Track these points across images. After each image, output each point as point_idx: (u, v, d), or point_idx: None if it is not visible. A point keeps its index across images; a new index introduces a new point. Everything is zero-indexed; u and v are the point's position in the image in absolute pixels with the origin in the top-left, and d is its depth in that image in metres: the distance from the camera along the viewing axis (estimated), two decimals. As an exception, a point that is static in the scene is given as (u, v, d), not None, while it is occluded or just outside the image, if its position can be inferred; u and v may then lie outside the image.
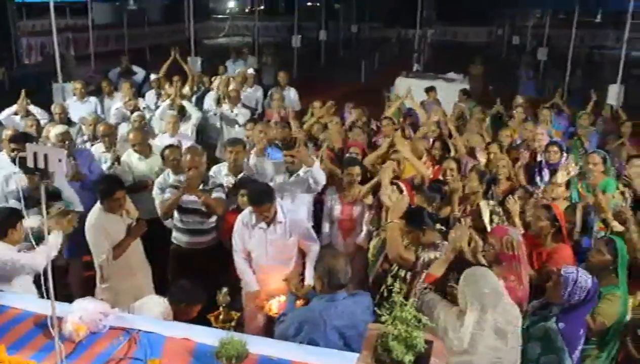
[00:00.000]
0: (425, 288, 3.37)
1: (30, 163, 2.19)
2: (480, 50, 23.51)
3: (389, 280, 4.23)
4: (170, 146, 5.91)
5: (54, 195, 4.98)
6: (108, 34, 24.24)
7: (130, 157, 6.34)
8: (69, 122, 7.70)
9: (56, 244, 4.14)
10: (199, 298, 3.90)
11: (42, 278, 2.61)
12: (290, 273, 4.49)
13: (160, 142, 6.91)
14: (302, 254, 4.81)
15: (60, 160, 2.18)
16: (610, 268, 3.94)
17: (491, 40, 29.38)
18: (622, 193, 5.66)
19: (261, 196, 4.50)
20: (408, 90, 8.97)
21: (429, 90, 10.42)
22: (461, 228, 3.97)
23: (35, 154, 2.17)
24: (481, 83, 14.67)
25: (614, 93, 10.82)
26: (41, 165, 2.17)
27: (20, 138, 5.55)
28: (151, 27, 26.42)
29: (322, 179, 5.36)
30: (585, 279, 3.41)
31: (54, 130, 6.23)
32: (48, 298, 2.71)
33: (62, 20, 22.13)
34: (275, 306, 4.29)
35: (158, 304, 3.87)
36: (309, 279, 4.58)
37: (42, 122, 7.43)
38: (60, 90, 9.42)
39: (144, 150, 6.39)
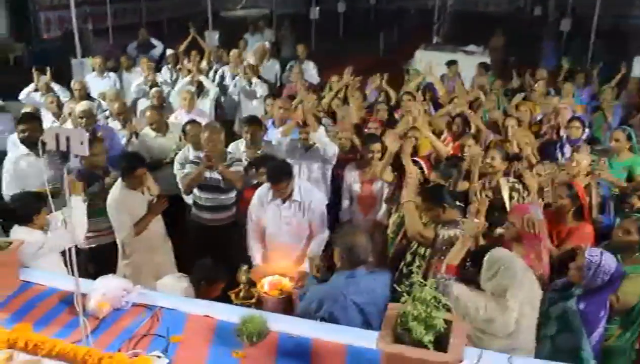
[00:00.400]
0: (447, 279, 3.31)
1: (51, 146, 2.20)
2: (501, 21, 23.12)
3: (408, 257, 4.24)
4: (191, 121, 5.93)
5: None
6: (125, 7, 24.14)
7: (148, 134, 6.38)
8: (88, 98, 7.76)
9: (79, 215, 4.14)
10: (221, 276, 3.93)
11: (67, 255, 2.62)
12: (312, 254, 4.48)
13: (176, 118, 6.93)
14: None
15: (82, 143, 2.20)
16: (635, 248, 3.89)
17: (513, 9, 28.84)
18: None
19: (279, 174, 4.52)
20: (428, 65, 8.84)
21: (450, 63, 10.26)
22: (474, 218, 3.89)
23: (57, 136, 2.19)
24: (502, 55, 14.42)
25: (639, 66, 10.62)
26: (63, 147, 2.19)
27: (28, 118, 5.50)
28: (168, 0, 26.31)
29: (330, 146, 5.43)
30: (610, 263, 3.36)
31: (78, 107, 6.28)
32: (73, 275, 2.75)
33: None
34: (267, 285, 4.21)
35: (180, 282, 3.92)
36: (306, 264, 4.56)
37: (62, 99, 7.48)
38: (79, 66, 9.44)
39: (161, 127, 6.44)
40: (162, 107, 7.29)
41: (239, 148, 5.81)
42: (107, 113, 7.39)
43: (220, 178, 5.16)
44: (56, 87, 8.03)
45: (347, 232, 3.70)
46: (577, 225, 4.26)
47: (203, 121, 6.27)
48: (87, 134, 2.40)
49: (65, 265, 3.25)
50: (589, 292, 3.40)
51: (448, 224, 4.11)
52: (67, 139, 2.17)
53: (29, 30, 18.48)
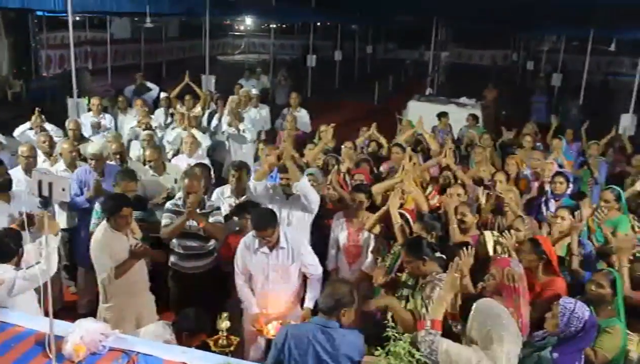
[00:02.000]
0: (434, 334, 3.28)
1: (35, 191, 2.24)
2: (494, 75, 23.61)
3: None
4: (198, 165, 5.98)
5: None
6: (126, 48, 24.59)
7: (146, 174, 6.46)
8: (82, 138, 7.84)
9: (52, 252, 4.14)
10: (204, 328, 3.92)
11: (41, 296, 2.63)
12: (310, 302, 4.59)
13: (177, 162, 7.00)
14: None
15: (63, 189, 2.24)
16: (609, 301, 3.94)
17: (506, 64, 29.42)
18: (632, 227, 5.67)
19: (264, 221, 4.53)
20: (420, 118, 8.99)
21: (441, 115, 10.44)
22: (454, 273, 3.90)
23: (40, 182, 2.23)
24: (494, 108, 14.65)
25: (626, 123, 10.81)
26: (45, 192, 2.22)
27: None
28: (168, 43, 26.77)
29: (312, 195, 5.43)
30: (583, 310, 3.42)
31: (89, 148, 6.41)
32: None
33: (82, 34, 22.52)
34: (272, 329, 4.29)
35: (164, 331, 3.91)
36: (309, 302, 4.62)
37: (55, 138, 7.54)
38: (75, 106, 9.54)
39: (159, 167, 6.49)
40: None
41: (224, 193, 5.85)
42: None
43: (198, 225, 5.18)
44: (49, 126, 8.09)
45: (331, 280, 3.74)
46: (548, 280, 4.29)
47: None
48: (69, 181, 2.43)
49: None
50: (563, 341, 3.43)
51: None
52: (50, 185, 2.22)
53: (29, 68, 18.70)
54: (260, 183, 5.44)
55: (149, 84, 11.50)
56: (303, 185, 5.33)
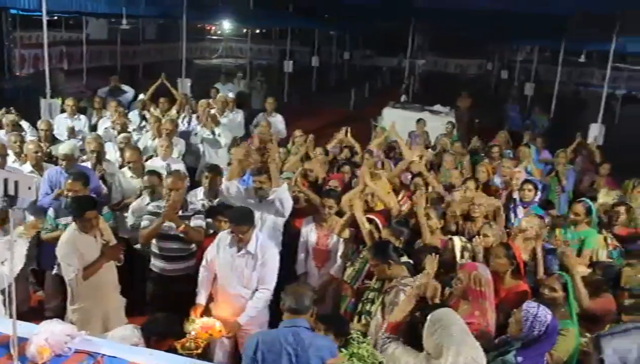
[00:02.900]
0: (387, 338, 3.33)
1: (0, 191, 2.24)
2: (469, 83, 23.89)
3: (359, 306, 4.32)
4: (149, 172, 5.96)
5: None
6: (101, 49, 24.29)
7: (124, 174, 6.42)
8: (54, 139, 7.77)
9: (20, 257, 4.13)
10: (173, 333, 3.92)
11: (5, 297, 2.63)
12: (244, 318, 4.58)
13: (152, 164, 6.98)
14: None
15: (29, 188, 2.24)
16: (561, 304, 4.06)
17: (481, 73, 29.80)
18: (605, 238, 5.79)
19: (243, 217, 4.60)
20: (392, 123, 9.08)
21: (419, 121, 10.62)
22: (425, 277, 3.95)
23: (5, 180, 2.23)
24: (468, 116, 14.82)
25: (595, 133, 11.04)
26: (11, 191, 2.23)
27: None
28: (145, 45, 26.58)
29: (288, 202, 5.50)
30: (545, 314, 3.50)
31: (60, 149, 6.39)
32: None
33: (57, 34, 22.25)
34: (199, 325, 4.23)
35: (132, 335, 3.89)
36: (243, 317, 4.58)
37: (29, 138, 7.46)
38: (48, 106, 9.46)
39: (138, 169, 6.47)
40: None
41: (197, 195, 5.86)
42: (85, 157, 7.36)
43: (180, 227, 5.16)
44: (25, 124, 8.01)
45: (292, 284, 3.79)
46: (514, 285, 4.39)
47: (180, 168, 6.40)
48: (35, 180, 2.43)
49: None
50: (527, 345, 3.51)
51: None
52: (16, 184, 2.22)
53: (2, 67, 18.45)
54: (232, 183, 5.47)
55: (124, 86, 11.43)
56: (283, 191, 5.38)
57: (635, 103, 22.17)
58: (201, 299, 4.75)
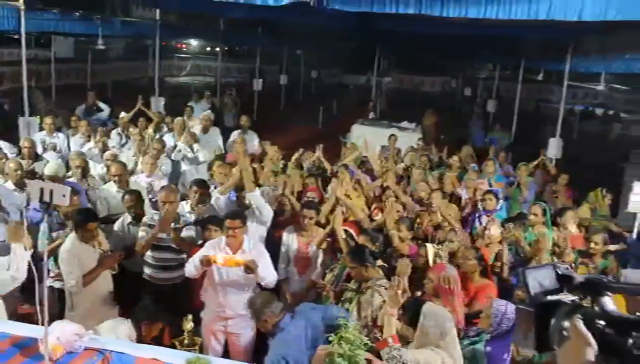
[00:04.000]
0: (397, 349, 3.63)
1: (35, 198, 2.58)
2: (434, 100, 24.59)
3: (339, 305, 4.72)
4: (129, 191, 6.27)
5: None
6: (69, 67, 24.34)
7: (110, 189, 6.70)
8: (36, 156, 8.00)
9: (21, 260, 4.41)
10: (160, 316, 4.27)
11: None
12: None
13: (137, 180, 7.27)
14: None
15: (64, 195, 2.59)
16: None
17: (445, 90, 30.57)
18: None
19: (237, 213, 5.11)
20: (365, 140, 9.55)
21: (391, 136, 11.22)
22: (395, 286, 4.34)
23: (42, 189, 2.57)
24: (434, 132, 15.38)
25: (553, 147, 11.67)
26: (47, 199, 2.57)
27: None
28: (113, 63, 26.73)
29: (265, 209, 5.95)
30: (513, 311, 3.95)
31: (46, 170, 6.74)
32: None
33: (27, 51, 22.18)
34: (220, 258, 4.73)
35: (122, 326, 4.22)
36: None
37: (9, 156, 7.67)
38: (27, 124, 9.63)
39: (123, 184, 6.77)
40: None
41: (183, 209, 6.19)
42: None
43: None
44: (2, 143, 8.21)
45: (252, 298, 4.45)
46: (482, 284, 4.85)
47: (161, 184, 6.79)
48: (69, 189, 2.78)
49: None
50: (495, 337, 3.96)
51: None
52: (51, 192, 2.56)
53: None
54: (222, 197, 5.84)
55: (101, 104, 11.69)
56: (256, 197, 5.80)
57: (592, 119, 23.15)
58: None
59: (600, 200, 8.08)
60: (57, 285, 5.33)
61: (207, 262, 4.78)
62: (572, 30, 8.59)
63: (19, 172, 6.74)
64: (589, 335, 1.49)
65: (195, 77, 32.53)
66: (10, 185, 6.67)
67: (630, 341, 1.47)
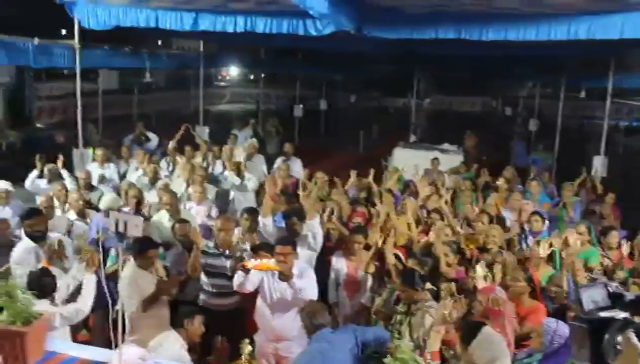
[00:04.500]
0: None
1: (112, 228, 2.78)
2: (475, 121, 24.48)
3: (389, 328, 4.82)
4: (179, 220, 6.51)
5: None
6: (114, 99, 25.12)
7: (161, 218, 6.96)
8: (92, 187, 8.35)
9: (91, 291, 4.67)
10: (196, 310, 4.67)
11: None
12: None
13: (188, 208, 7.55)
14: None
15: (137, 225, 2.78)
16: None
17: (485, 110, 30.41)
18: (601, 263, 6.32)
19: (288, 239, 5.33)
20: (409, 165, 9.68)
21: (434, 159, 11.30)
22: (445, 305, 4.43)
23: (117, 220, 2.78)
24: (475, 153, 15.36)
25: (598, 165, 11.55)
26: (121, 229, 2.77)
27: (34, 214, 5.95)
28: (156, 94, 27.55)
29: (319, 235, 6.07)
30: (564, 329, 4.00)
31: (102, 203, 7.01)
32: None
33: (71, 85, 23.02)
34: (251, 264, 4.99)
35: (175, 339, 4.44)
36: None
37: (68, 187, 8.01)
38: (80, 156, 10.02)
39: (175, 212, 7.02)
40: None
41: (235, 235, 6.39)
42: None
43: (226, 265, 5.69)
44: (65, 173, 8.56)
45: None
46: (532, 306, 4.89)
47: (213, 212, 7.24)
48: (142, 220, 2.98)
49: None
50: (548, 356, 3.99)
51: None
52: (125, 223, 2.76)
53: (24, 118, 19.23)
54: (267, 220, 6.03)
55: (149, 134, 12.07)
56: (315, 224, 5.96)
57: (638, 134, 22.74)
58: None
59: None
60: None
61: (242, 267, 5.06)
62: (613, 46, 8.54)
63: (81, 202, 7.07)
64: None
65: (236, 104, 33.12)
66: (72, 215, 6.99)
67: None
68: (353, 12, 7.15)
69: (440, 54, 14.15)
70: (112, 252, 5.96)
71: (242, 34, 8.70)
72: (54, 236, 5.84)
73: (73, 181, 8.47)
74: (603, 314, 1.79)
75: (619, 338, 1.66)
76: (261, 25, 8.22)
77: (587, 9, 6.66)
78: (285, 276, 4.95)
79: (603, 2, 6.02)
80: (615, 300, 1.83)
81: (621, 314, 1.78)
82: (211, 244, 5.80)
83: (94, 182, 8.84)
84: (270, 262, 5.02)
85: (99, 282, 4.67)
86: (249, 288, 5.26)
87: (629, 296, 1.82)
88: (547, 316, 4.69)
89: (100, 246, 3.84)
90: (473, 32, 7.54)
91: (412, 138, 17.39)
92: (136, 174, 9.08)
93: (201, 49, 14.42)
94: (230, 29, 8.35)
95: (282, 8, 7.53)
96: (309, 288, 5.16)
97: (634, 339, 1.61)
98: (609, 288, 1.89)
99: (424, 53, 14.18)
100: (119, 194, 7.96)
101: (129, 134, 12.20)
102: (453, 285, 4.67)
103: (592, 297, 1.86)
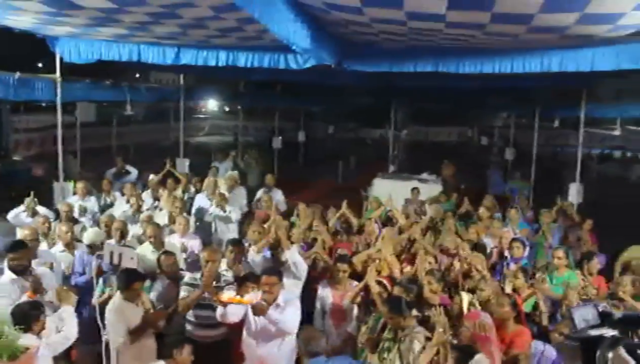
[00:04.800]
0: None
1: (107, 260, 2.83)
2: (452, 150, 24.87)
3: (377, 355, 4.87)
4: (164, 252, 6.52)
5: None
6: (92, 131, 25.02)
7: (144, 250, 6.96)
8: (73, 220, 8.31)
9: (73, 320, 4.68)
10: (184, 341, 4.84)
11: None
12: None
13: (171, 240, 7.55)
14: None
15: (132, 258, 2.83)
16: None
17: (462, 140, 30.90)
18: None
19: (273, 270, 5.38)
20: (389, 196, 9.81)
21: (413, 189, 11.50)
22: (441, 324, 4.55)
23: (111, 253, 2.82)
24: (454, 182, 15.56)
25: (574, 192, 11.79)
26: (116, 261, 2.81)
27: (19, 247, 5.83)
28: (134, 126, 27.54)
29: (301, 264, 6.21)
30: (551, 351, 4.13)
31: (85, 239, 6.94)
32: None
33: (49, 118, 22.93)
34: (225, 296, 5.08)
35: None
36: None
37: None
38: (61, 189, 9.95)
39: (158, 244, 7.03)
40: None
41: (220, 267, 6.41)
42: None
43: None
44: (41, 209, 8.52)
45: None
46: (517, 330, 4.98)
47: (195, 244, 7.15)
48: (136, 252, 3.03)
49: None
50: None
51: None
52: (120, 255, 2.81)
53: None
54: (258, 255, 6.09)
55: (128, 167, 12.08)
56: (293, 254, 6.05)
57: (611, 161, 23.30)
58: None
59: None
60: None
61: (218, 301, 5.13)
62: (585, 77, 8.82)
63: (70, 235, 7.07)
64: (632, 361, 1.69)
65: (214, 136, 33.22)
66: (59, 247, 6.97)
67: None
68: (334, 46, 7.32)
69: (417, 85, 14.41)
70: (100, 283, 5.96)
71: (222, 68, 8.82)
72: (38, 268, 5.82)
73: (50, 213, 8.44)
74: (593, 332, 1.91)
75: (610, 355, 1.77)
76: (243, 59, 8.35)
77: (560, 44, 6.91)
78: (259, 310, 5.00)
79: (574, 39, 6.25)
80: (605, 319, 1.95)
81: (610, 332, 1.89)
82: (198, 275, 5.81)
83: (75, 215, 8.81)
84: (244, 297, 5.09)
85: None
86: (233, 319, 5.28)
87: (617, 314, 1.95)
88: (532, 339, 4.81)
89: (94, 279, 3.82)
90: (450, 66, 7.77)
91: (391, 168, 17.57)
92: (123, 207, 9.06)
93: (181, 82, 14.46)
94: (212, 63, 8.46)
95: (264, 43, 7.68)
96: (289, 320, 5.22)
97: (625, 355, 1.72)
98: (598, 307, 2.02)
99: (400, 85, 14.46)
100: (99, 227, 7.96)
101: (108, 166, 12.23)
102: (441, 308, 4.75)
103: (583, 316, 1.99)
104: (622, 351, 1.73)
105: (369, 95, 21.33)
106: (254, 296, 5.24)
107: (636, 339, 1.75)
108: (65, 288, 4.97)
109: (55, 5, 5.79)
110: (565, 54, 7.17)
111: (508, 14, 5.12)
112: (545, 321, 5.61)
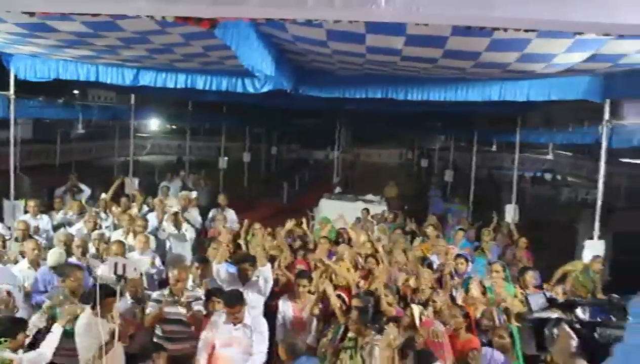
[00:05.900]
0: None
1: (111, 271, 3.09)
2: (394, 171, 25.64)
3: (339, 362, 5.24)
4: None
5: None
6: (31, 148, 24.50)
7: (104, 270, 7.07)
8: (30, 237, 8.31)
9: (56, 340, 4.83)
10: (158, 347, 4.97)
11: None
12: None
13: (131, 258, 7.66)
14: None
15: (135, 269, 3.10)
16: (510, 349, 5.16)
17: (402, 161, 31.82)
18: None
19: (235, 299, 5.50)
20: (338, 214, 10.25)
21: (364, 209, 12.13)
22: (391, 330, 5.00)
23: (116, 264, 3.09)
24: (397, 203, 16.18)
25: (510, 212, 12.57)
26: (120, 272, 3.08)
27: None
28: (74, 144, 27.11)
29: (270, 280, 6.52)
30: (499, 355, 4.60)
31: (50, 261, 6.95)
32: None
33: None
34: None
35: None
36: None
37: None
38: (12, 207, 9.88)
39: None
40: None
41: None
42: None
43: (182, 312, 5.90)
44: (-1, 227, 8.51)
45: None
46: (467, 339, 5.45)
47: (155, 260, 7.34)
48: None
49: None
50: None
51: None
52: (124, 267, 3.08)
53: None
54: (221, 267, 6.37)
55: (81, 185, 12.05)
56: (267, 270, 6.40)
57: (543, 184, 24.59)
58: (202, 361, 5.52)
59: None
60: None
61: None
62: (520, 105, 9.54)
63: (37, 252, 7.12)
64: (572, 333, 2.23)
65: (157, 156, 32.96)
66: (24, 263, 7.01)
67: (596, 334, 2.32)
68: (292, 73, 7.73)
69: (362, 109, 14.98)
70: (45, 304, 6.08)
71: (179, 90, 9.06)
72: (1, 287, 5.91)
73: (6, 230, 8.43)
74: (544, 315, 2.42)
75: (555, 330, 2.28)
76: (201, 82, 8.61)
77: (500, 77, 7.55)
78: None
79: (514, 73, 6.90)
80: (551, 303, 2.48)
81: (555, 314, 2.42)
82: (166, 292, 6.01)
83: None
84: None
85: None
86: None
87: (560, 300, 2.48)
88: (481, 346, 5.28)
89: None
90: (399, 93, 8.32)
91: (337, 189, 18.04)
92: (76, 226, 9.11)
93: (132, 101, 14.54)
94: (171, 85, 8.69)
95: (223, 67, 8.00)
96: (260, 352, 5.52)
97: (567, 328, 2.24)
98: (546, 295, 2.54)
99: (346, 108, 15.01)
100: (51, 245, 7.99)
101: (49, 184, 12.14)
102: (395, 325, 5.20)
103: (536, 301, 2.49)
104: (565, 325, 2.30)
105: (313, 116, 21.81)
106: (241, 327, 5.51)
107: (573, 318, 2.32)
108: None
109: (29, 27, 5.93)
110: (504, 84, 7.88)
111: (458, 51, 5.67)
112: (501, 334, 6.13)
